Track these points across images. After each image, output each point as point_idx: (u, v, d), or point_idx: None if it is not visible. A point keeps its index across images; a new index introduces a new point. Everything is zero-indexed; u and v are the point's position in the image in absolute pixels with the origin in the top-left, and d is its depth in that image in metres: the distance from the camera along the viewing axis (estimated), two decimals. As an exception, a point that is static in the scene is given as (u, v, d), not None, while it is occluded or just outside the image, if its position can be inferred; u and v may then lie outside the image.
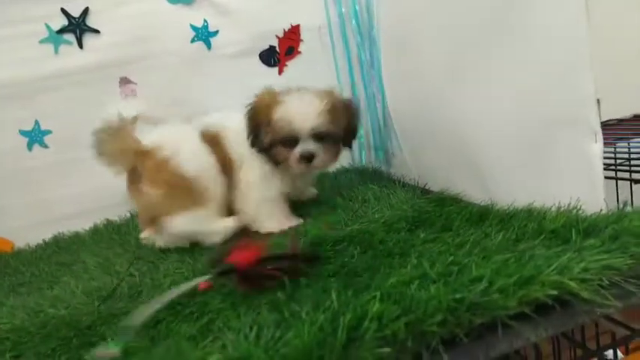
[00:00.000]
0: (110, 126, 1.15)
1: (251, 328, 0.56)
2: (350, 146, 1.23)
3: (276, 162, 1.15)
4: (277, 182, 1.19)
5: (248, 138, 1.16)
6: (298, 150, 1.11)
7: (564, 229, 0.74)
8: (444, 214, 1.00)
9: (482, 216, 0.91)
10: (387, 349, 0.47)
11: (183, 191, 1.12)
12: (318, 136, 1.11)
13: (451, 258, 0.68)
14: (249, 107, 1.17)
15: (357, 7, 1.48)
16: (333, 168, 1.71)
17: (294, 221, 1.21)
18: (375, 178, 1.52)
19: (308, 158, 1.11)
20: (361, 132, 1.70)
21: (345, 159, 1.74)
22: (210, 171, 1.16)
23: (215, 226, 1.17)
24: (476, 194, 1.06)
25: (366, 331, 0.48)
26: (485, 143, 1.01)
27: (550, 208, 0.82)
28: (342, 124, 1.15)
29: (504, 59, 0.89)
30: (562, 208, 0.81)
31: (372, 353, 0.46)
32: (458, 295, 0.52)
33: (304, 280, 0.80)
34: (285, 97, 1.14)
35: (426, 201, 1.11)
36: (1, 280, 1.28)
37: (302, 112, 1.10)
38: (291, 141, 1.12)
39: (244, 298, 0.76)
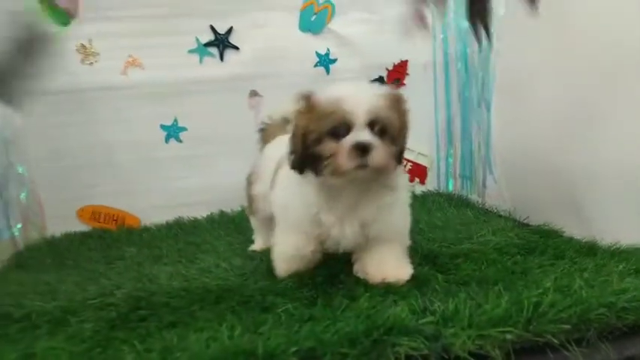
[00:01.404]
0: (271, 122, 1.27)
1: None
2: (400, 160, 0.99)
3: (319, 168, 0.92)
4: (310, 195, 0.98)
5: (289, 155, 0.96)
6: (350, 140, 0.88)
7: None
8: (552, 245, 1.16)
9: (592, 249, 1.07)
10: (567, 326, 0.64)
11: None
12: (376, 126, 0.90)
13: (584, 275, 0.84)
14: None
15: (468, 50, 1.67)
16: (417, 190, 1.89)
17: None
18: (465, 205, 1.69)
19: (363, 150, 0.87)
20: (450, 161, 1.88)
21: (430, 184, 1.92)
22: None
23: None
24: (576, 231, 1.21)
25: (544, 314, 0.65)
26: (592, 184, 1.17)
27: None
28: (397, 121, 0.94)
29: (620, 104, 1.05)
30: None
31: (554, 327, 0.63)
32: (611, 299, 0.69)
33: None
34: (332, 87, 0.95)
35: (529, 231, 1.27)
36: (141, 250, 1.50)
37: (356, 95, 0.90)
38: (342, 130, 0.89)
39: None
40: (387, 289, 1.02)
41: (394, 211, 1.01)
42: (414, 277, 1.08)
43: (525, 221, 1.39)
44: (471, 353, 0.62)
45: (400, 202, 1.03)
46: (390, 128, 0.92)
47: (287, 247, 1.05)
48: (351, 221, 0.98)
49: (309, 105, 0.94)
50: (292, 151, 0.96)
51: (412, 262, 1.14)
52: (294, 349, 0.63)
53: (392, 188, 0.99)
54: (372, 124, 0.89)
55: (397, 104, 0.96)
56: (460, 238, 1.31)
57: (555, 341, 0.63)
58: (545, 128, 1.34)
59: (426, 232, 1.40)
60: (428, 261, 1.16)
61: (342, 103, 0.88)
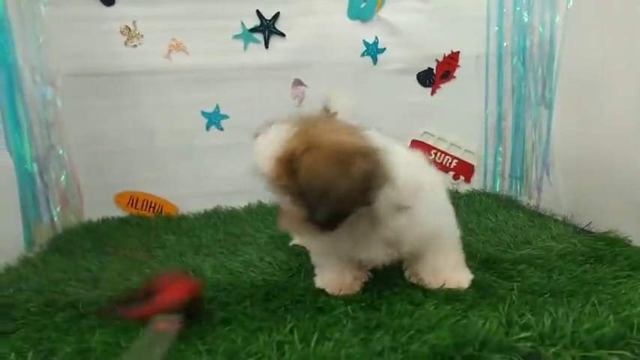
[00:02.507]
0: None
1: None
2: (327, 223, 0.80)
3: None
4: None
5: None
6: None
7: None
8: (621, 254, 1.07)
9: (671, 262, 0.99)
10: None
11: None
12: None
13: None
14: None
15: (527, 44, 1.58)
16: (463, 189, 1.81)
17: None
18: (515, 207, 1.60)
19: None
20: (499, 160, 1.79)
21: (476, 183, 1.84)
22: None
23: None
24: (646, 240, 1.13)
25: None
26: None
27: None
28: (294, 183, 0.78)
29: None
30: None
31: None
32: None
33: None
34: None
35: (593, 238, 1.19)
36: (181, 239, 1.46)
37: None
38: None
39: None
40: (449, 296, 0.96)
41: (424, 222, 0.88)
42: (474, 284, 1.02)
43: (587, 227, 1.31)
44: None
45: (429, 209, 0.88)
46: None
47: (326, 283, 0.97)
48: (372, 245, 0.87)
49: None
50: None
51: (470, 267, 1.08)
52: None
53: (399, 208, 0.84)
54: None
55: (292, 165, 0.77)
56: (517, 242, 1.23)
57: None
58: (613, 129, 1.24)
59: (478, 234, 1.33)
60: (487, 266, 1.09)
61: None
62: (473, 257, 1.14)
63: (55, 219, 1.50)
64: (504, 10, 1.67)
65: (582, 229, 1.31)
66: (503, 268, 1.08)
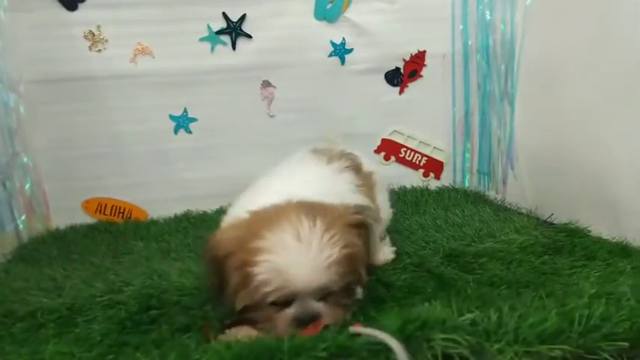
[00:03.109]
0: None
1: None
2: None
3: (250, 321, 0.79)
4: None
5: (210, 293, 0.87)
6: (293, 311, 0.76)
7: None
8: (580, 244, 1.10)
9: (625, 250, 1.02)
10: (624, 343, 0.58)
11: None
12: (325, 293, 0.77)
13: (627, 280, 0.79)
14: (208, 249, 0.82)
15: (490, 42, 1.61)
16: (433, 186, 1.84)
17: None
18: (483, 201, 1.63)
19: (308, 320, 0.75)
20: (467, 156, 1.82)
21: (445, 179, 1.87)
22: None
23: None
24: (605, 230, 1.16)
25: (597, 328, 0.60)
26: (624, 180, 1.12)
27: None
28: (351, 276, 0.79)
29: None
30: None
31: (609, 344, 0.58)
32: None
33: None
34: (269, 234, 0.75)
35: (554, 230, 1.22)
36: (150, 244, 1.45)
37: (299, 264, 0.74)
38: (283, 301, 0.76)
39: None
40: (411, 290, 0.98)
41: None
42: (436, 277, 1.04)
43: (549, 219, 1.34)
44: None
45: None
46: (345, 290, 0.79)
47: None
48: None
49: (241, 272, 0.76)
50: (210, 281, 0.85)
51: (433, 262, 1.11)
52: (323, 345, 0.58)
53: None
54: (319, 293, 0.76)
55: (353, 262, 0.79)
56: (481, 235, 1.26)
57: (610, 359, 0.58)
58: (573, 123, 1.28)
59: (444, 230, 1.35)
60: (450, 260, 1.12)
61: (285, 279, 0.73)
62: (437, 252, 1.17)
63: (21, 227, 1.47)
64: (468, 9, 1.69)
65: (544, 221, 1.34)
66: (465, 262, 1.11)
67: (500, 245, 1.17)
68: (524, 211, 1.46)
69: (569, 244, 1.12)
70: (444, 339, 0.56)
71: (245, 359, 0.60)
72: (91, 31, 1.58)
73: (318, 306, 0.76)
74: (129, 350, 0.75)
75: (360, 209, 0.86)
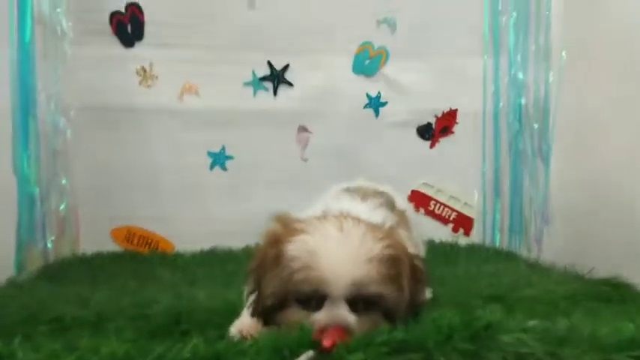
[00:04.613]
0: None
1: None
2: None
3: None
4: None
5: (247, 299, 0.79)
6: (322, 317, 0.67)
7: None
8: (629, 296, 1.05)
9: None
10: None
11: None
12: (360, 301, 0.68)
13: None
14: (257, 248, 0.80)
15: (523, 101, 1.66)
16: (462, 242, 1.80)
17: None
18: (515, 259, 1.59)
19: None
20: (497, 215, 1.81)
21: (474, 237, 1.84)
22: None
23: None
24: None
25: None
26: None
27: None
28: (396, 292, 0.71)
29: None
30: None
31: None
32: None
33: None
34: (313, 222, 0.74)
35: (597, 282, 1.17)
36: (176, 273, 1.43)
37: (336, 253, 0.68)
38: (312, 299, 0.69)
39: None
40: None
41: None
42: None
43: (588, 275, 1.29)
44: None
45: None
46: (383, 303, 0.69)
47: None
48: None
49: (275, 249, 0.72)
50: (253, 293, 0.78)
51: (474, 303, 1.06)
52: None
53: None
54: (354, 299, 0.68)
55: (398, 267, 0.72)
56: (520, 285, 1.21)
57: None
58: (611, 178, 1.28)
59: (479, 279, 1.30)
60: (492, 302, 1.06)
61: (317, 262, 0.67)
62: (476, 296, 1.12)
63: (49, 247, 1.47)
64: (500, 72, 1.78)
65: (583, 277, 1.29)
66: (509, 305, 1.05)
67: (543, 294, 1.12)
68: (560, 268, 1.42)
69: (617, 295, 1.07)
70: (513, 341, 0.53)
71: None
72: (143, 67, 1.68)
73: (350, 316, 0.67)
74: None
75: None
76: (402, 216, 1.15)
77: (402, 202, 1.22)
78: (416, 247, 1.13)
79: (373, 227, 0.74)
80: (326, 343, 0.57)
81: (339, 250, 0.68)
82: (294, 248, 0.69)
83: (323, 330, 0.62)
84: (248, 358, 0.56)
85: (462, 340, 0.54)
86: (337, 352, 0.56)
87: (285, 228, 0.74)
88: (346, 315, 0.67)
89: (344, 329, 0.65)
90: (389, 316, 0.71)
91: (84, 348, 0.62)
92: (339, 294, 0.67)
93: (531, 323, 0.59)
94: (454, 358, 0.53)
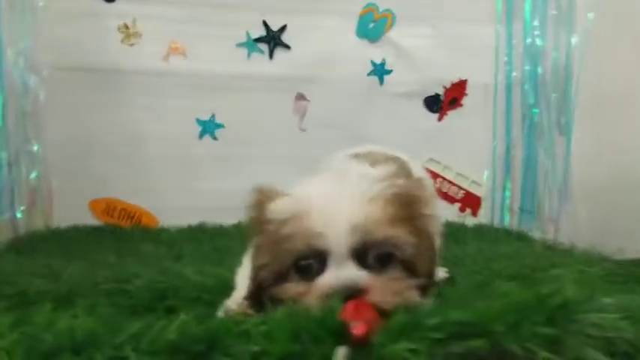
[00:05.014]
0: None
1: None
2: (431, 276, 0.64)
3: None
4: None
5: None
6: (327, 281, 0.55)
7: None
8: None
9: None
10: None
11: None
12: (371, 252, 0.56)
13: None
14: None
15: (540, 70, 1.54)
16: (469, 222, 1.69)
17: None
18: (529, 239, 1.48)
19: (350, 294, 0.53)
20: (507, 193, 1.70)
21: (482, 217, 1.73)
22: None
23: None
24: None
25: None
26: None
27: None
28: (411, 237, 0.58)
29: None
30: None
31: None
32: None
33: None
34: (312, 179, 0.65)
35: (626, 263, 1.07)
36: (160, 249, 1.29)
37: (331, 200, 0.57)
38: (311, 263, 0.57)
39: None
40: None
41: None
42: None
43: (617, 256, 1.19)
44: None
45: None
46: (399, 252, 0.57)
47: None
48: None
49: (259, 218, 0.61)
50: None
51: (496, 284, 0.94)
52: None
53: None
54: (362, 250, 0.55)
55: (410, 208, 0.59)
56: (543, 266, 1.10)
57: None
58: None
59: (496, 260, 1.18)
60: (516, 282, 0.95)
61: (307, 219, 0.55)
62: (497, 276, 1.00)
63: (19, 216, 1.32)
64: (514, 41, 1.65)
65: (609, 258, 1.18)
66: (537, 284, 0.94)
67: (573, 274, 1.01)
68: (580, 248, 1.31)
69: (646, 275, 0.97)
70: (600, 322, 0.41)
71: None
72: (125, 24, 1.52)
73: (361, 274, 0.54)
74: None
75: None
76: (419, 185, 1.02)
77: (419, 170, 1.09)
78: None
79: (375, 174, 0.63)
80: (356, 331, 0.44)
81: (332, 193, 0.57)
82: (279, 203, 0.59)
83: (348, 310, 0.48)
84: (253, 343, 0.42)
85: (537, 322, 0.42)
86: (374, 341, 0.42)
87: (267, 193, 0.63)
88: (355, 273, 0.54)
89: (369, 305, 0.51)
90: (411, 270, 0.58)
91: (37, 323, 0.49)
92: (341, 248, 0.55)
93: (608, 300, 0.47)
94: (531, 346, 0.41)
